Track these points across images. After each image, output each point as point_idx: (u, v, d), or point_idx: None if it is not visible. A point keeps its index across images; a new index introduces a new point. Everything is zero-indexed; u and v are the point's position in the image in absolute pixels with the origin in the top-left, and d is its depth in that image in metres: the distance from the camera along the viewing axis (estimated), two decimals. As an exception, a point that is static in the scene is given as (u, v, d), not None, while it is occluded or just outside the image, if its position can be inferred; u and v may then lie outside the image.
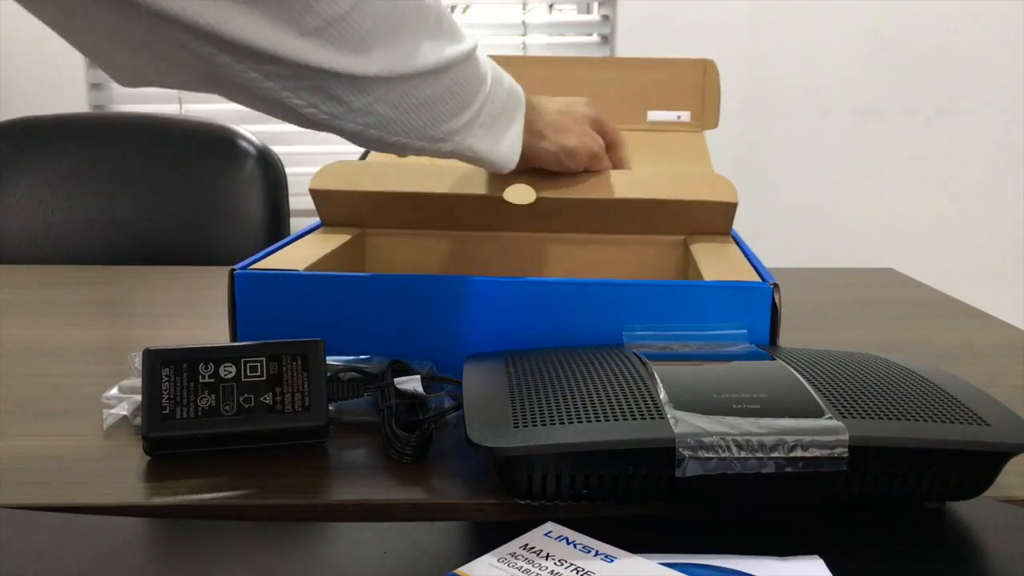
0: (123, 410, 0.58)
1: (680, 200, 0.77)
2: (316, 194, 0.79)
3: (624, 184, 0.77)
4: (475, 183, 0.77)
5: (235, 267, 0.64)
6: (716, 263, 0.69)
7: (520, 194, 0.75)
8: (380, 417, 0.57)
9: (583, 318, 0.63)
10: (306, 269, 0.66)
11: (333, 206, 0.80)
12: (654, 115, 0.94)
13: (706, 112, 0.94)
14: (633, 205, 0.77)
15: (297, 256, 0.69)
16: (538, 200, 0.75)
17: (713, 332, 0.62)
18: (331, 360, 0.60)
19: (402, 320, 0.64)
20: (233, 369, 0.55)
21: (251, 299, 0.64)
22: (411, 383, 0.57)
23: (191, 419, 0.53)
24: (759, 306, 0.62)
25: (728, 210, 0.77)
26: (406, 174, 0.79)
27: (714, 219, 0.78)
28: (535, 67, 0.95)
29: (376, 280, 0.64)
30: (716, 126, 0.95)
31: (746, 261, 0.70)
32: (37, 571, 0.44)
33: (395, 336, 0.64)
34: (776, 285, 0.62)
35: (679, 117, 0.94)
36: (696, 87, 0.94)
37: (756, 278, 0.64)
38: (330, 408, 0.56)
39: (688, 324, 0.62)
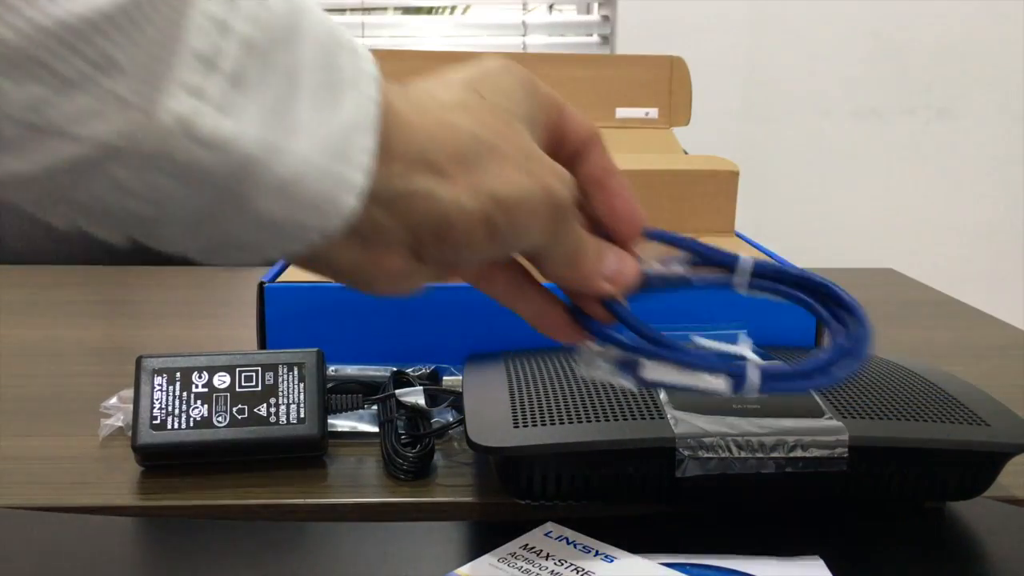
0: (119, 421, 0.58)
1: (685, 171, 0.78)
2: None
3: (628, 159, 0.79)
4: None
5: (264, 279, 0.64)
6: None
7: None
8: (380, 431, 0.56)
9: (615, 324, 0.62)
10: None
11: None
12: (622, 112, 0.94)
13: (675, 109, 0.94)
14: (639, 177, 0.77)
15: None
16: None
17: (713, 332, 0.62)
18: (352, 369, 0.59)
19: (437, 328, 0.64)
20: (227, 379, 0.54)
21: (281, 312, 0.63)
22: (413, 396, 0.57)
23: (183, 429, 0.53)
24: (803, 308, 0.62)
25: (731, 179, 0.78)
26: None
27: (718, 189, 0.79)
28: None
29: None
30: (687, 123, 0.95)
31: (775, 261, 0.70)
32: (36, 571, 0.44)
33: (428, 344, 0.64)
34: None
35: (647, 114, 0.94)
36: (663, 84, 0.94)
37: None
38: (329, 420, 0.55)
39: (695, 325, 0.62)
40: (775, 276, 0.39)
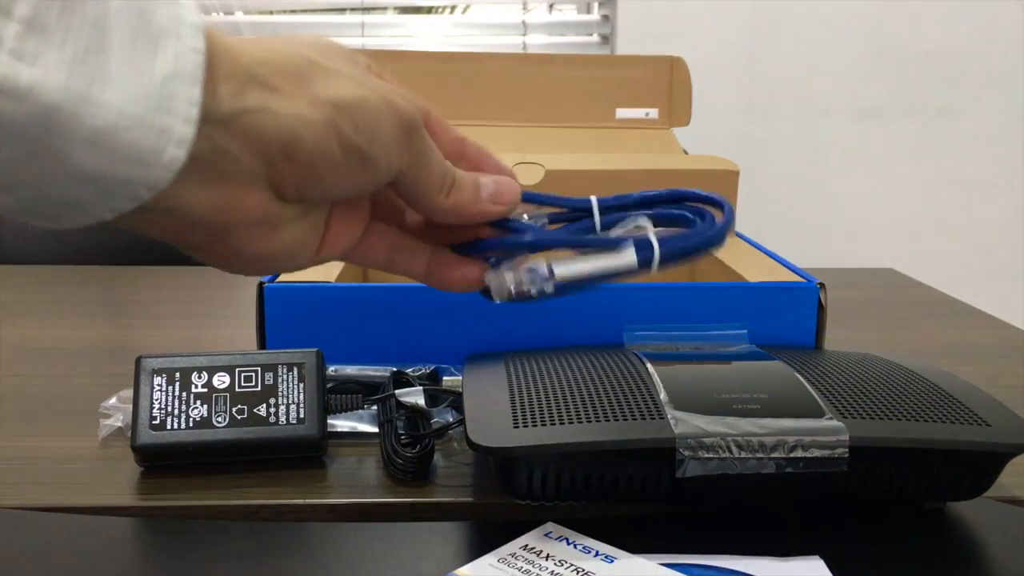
0: (118, 421, 0.58)
1: (685, 171, 0.78)
2: None
3: (628, 159, 0.80)
4: None
5: (264, 279, 0.64)
6: (748, 263, 0.70)
7: (528, 173, 0.76)
8: (380, 431, 0.56)
9: (614, 324, 0.62)
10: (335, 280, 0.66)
11: None
12: (622, 112, 0.94)
13: (675, 109, 0.94)
14: (639, 177, 0.78)
15: (318, 266, 0.69)
16: (547, 174, 0.75)
17: (713, 332, 0.62)
18: (351, 369, 0.59)
19: (437, 328, 0.64)
20: (227, 379, 0.54)
21: (281, 312, 0.63)
22: (413, 396, 0.57)
23: (182, 429, 0.53)
24: (805, 306, 0.62)
25: (731, 178, 0.78)
26: None
27: (718, 189, 0.79)
28: (497, 63, 0.94)
29: (408, 290, 0.64)
30: (687, 123, 0.95)
31: (775, 261, 0.71)
32: (36, 571, 0.44)
33: (428, 344, 0.64)
34: (822, 284, 0.63)
35: (647, 115, 0.94)
36: (663, 84, 0.94)
37: (795, 278, 0.64)
38: (329, 420, 0.55)
39: (695, 324, 0.62)
40: (619, 206, 0.41)
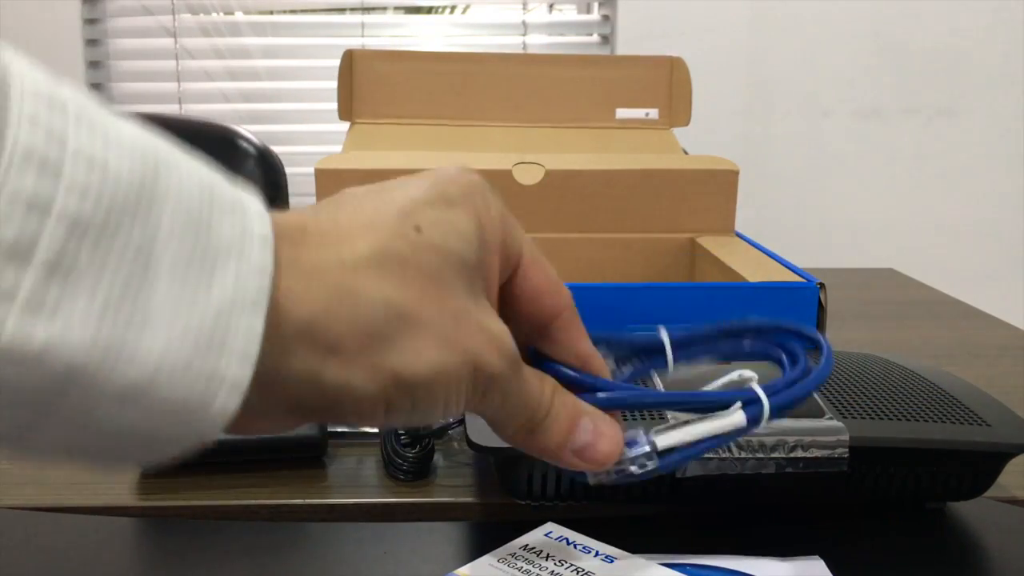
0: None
1: (686, 170, 0.79)
2: (321, 174, 0.79)
3: (628, 159, 0.80)
4: (484, 161, 0.79)
5: None
6: (747, 263, 0.70)
7: (528, 173, 0.76)
8: (380, 431, 0.56)
9: (614, 324, 0.63)
10: None
11: (335, 191, 0.80)
12: (622, 113, 0.94)
13: (675, 110, 0.94)
14: (639, 177, 0.78)
15: None
16: (547, 174, 0.76)
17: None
18: None
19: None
20: None
21: None
22: None
23: None
24: (805, 306, 0.62)
25: (731, 178, 0.79)
26: (412, 158, 0.80)
27: (718, 189, 0.79)
28: (497, 63, 0.94)
29: None
30: (687, 124, 0.95)
31: (775, 261, 0.71)
32: (36, 571, 0.44)
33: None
34: (822, 284, 0.63)
35: (647, 115, 0.94)
36: (663, 85, 0.94)
37: (795, 278, 0.64)
38: None
39: (694, 325, 0.62)
40: (691, 339, 0.35)
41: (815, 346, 0.35)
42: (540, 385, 0.29)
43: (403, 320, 0.25)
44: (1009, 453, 0.47)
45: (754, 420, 0.32)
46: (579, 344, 0.31)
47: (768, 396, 0.32)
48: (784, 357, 0.35)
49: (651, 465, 0.32)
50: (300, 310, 0.24)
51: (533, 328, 0.30)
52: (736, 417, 0.32)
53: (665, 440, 0.32)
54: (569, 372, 0.30)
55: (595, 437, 0.30)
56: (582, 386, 0.30)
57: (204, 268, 0.22)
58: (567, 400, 0.30)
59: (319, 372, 0.24)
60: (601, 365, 0.32)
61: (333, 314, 0.24)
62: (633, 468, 0.32)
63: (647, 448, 0.32)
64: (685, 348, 0.35)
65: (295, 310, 0.24)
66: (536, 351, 0.30)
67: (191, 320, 0.22)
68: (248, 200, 0.24)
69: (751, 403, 0.32)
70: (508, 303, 0.29)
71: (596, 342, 0.33)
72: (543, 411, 0.29)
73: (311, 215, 0.26)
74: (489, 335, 0.27)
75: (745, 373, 0.34)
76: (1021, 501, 0.51)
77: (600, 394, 0.31)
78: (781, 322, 0.35)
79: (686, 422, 0.32)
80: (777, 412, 0.32)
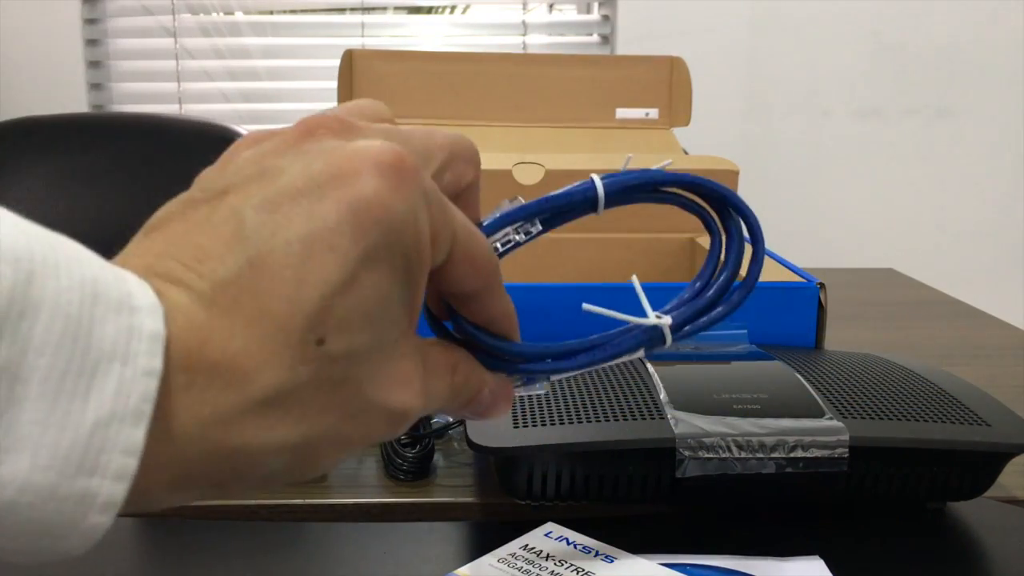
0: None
1: (686, 170, 0.79)
2: None
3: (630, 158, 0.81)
4: (484, 161, 0.79)
5: None
6: (748, 263, 0.70)
7: (528, 173, 0.76)
8: None
9: (614, 324, 0.62)
10: None
11: None
12: (622, 112, 0.94)
13: (675, 109, 0.94)
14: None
15: None
16: (547, 174, 0.76)
17: (713, 332, 0.62)
18: None
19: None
20: None
21: None
22: None
23: None
24: (805, 306, 0.63)
25: (731, 178, 0.79)
26: None
27: None
28: (497, 63, 0.94)
29: None
30: (687, 124, 0.95)
31: (775, 261, 0.71)
32: (36, 571, 0.44)
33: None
34: (822, 284, 0.63)
35: (647, 115, 0.94)
36: (663, 85, 0.94)
37: (795, 278, 0.64)
38: None
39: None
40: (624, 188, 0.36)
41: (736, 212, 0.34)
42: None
43: (296, 454, 0.24)
44: (1009, 453, 0.47)
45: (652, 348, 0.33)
46: (499, 309, 0.30)
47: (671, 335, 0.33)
48: (714, 224, 0.35)
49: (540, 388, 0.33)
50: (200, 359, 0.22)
51: (456, 298, 0.29)
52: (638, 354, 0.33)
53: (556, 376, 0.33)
54: (488, 340, 0.30)
55: (490, 406, 0.30)
56: (500, 352, 0.31)
57: (81, 380, 0.20)
58: (471, 378, 0.30)
59: (222, 440, 0.22)
60: (513, 325, 0.31)
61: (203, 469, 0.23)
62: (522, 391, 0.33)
63: (542, 391, 0.33)
64: (617, 197, 0.36)
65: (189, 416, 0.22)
66: (460, 318, 0.30)
67: (61, 442, 0.20)
68: (139, 294, 0.22)
69: (654, 340, 0.33)
70: (432, 281, 0.27)
71: (530, 211, 0.34)
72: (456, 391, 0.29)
73: (203, 315, 0.23)
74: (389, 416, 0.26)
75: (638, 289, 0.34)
76: (1021, 501, 0.51)
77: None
78: (705, 182, 0.34)
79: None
80: (678, 330, 0.33)
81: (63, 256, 0.21)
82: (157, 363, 0.21)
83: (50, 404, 0.20)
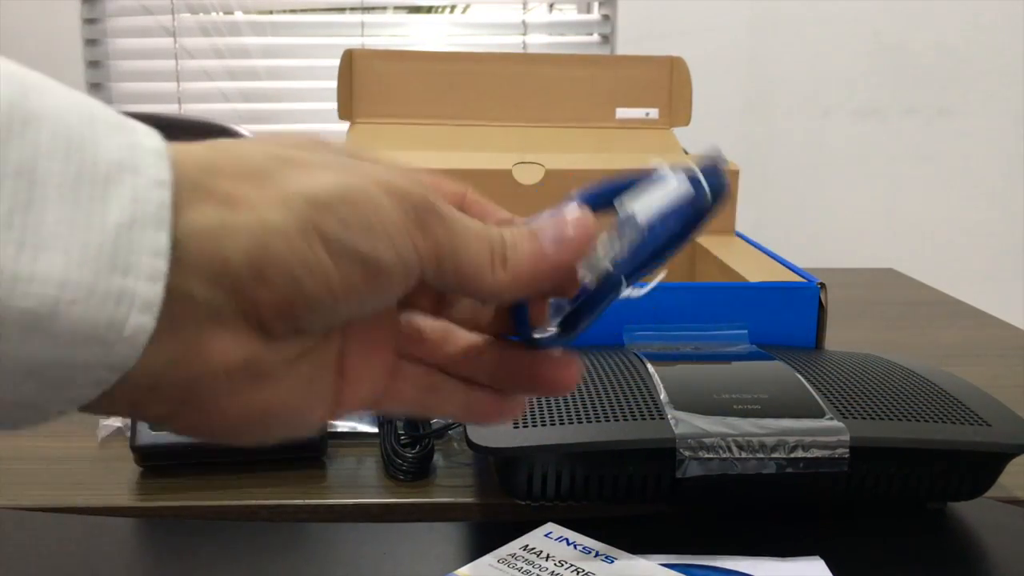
0: (117, 421, 0.58)
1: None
2: None
3: (628, 159, 0.80)
4: (484, 161, 0.79)
5: None
6: (747, 263, 0.70)
7: (528, 173, 0.76)
8: (380, 431, 0.56)
9: (614, 324, 0.62)
10: None
11: None
12: (622, 112, 0.94)
13: (675, 109, 0.94)
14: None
15: None
16: (547, 174, 0.76)
17: (713, 332, 0.62)
18: None
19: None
20: None
21: None
22: None
23: None
24: (805, 306, 0.63)
25: (731, 178, 0.79)
26: (412, 158, 0.80)
27: None
28: (497, 63, 0.94)
29: None
30: (688, 123, 0.94)
31: (775, 261, 0.71)
32: (36, 571, 0.44)
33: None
34: (822, 284, 0.63)
35: (647, 115, 0.94)
36: (664, 84, 0.94)
37: (795, 278, 0.64)
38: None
39: (695, 324, 0.62)
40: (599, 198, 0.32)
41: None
42: (480, 220, 0.27)
43: (289, 162, 0.24)
44: (1009, 453, 0.47)
45: (698, 184, 0.30)
46: (495, 215, 0.29)
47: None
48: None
49: (617, 251, 0.30)
50: (189, 171, 0.22)
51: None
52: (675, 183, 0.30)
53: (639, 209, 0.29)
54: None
55: (558, 224, 0.28)
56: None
57: (96, 186, 0.20)
58: (517, 226, 0.28)
59: (224, 219, 0.22)
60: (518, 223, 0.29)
61: (217, 169, 0.23)
62: (606, 263, 0.30)
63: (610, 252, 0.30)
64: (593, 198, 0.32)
65: (187, 176, 0.22)
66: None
67: (90, 240, 0.20)
68: (130, 120, 0.22)
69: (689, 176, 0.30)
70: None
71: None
72: (499, 238, 0.27)
73: (209, 154, 0.24)
74: (392, 170, 0.26)
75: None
76: (1021, 501, 0.51)
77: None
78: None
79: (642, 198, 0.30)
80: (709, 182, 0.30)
81: (56, 84, 0.21)
82: (166, 174, 0.22)
83: (72, 206, 0.20)
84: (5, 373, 0.20)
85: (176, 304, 0.22)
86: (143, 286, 0.21)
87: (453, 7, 1.99)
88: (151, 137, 0.22)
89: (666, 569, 0.41)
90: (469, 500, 0.50)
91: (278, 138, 0.25)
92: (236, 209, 0.22)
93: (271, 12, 1.91)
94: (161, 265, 0.21)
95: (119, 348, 0.21)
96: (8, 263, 0.19)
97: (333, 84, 0.90)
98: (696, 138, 1.04)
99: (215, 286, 0.22)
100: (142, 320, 0.21)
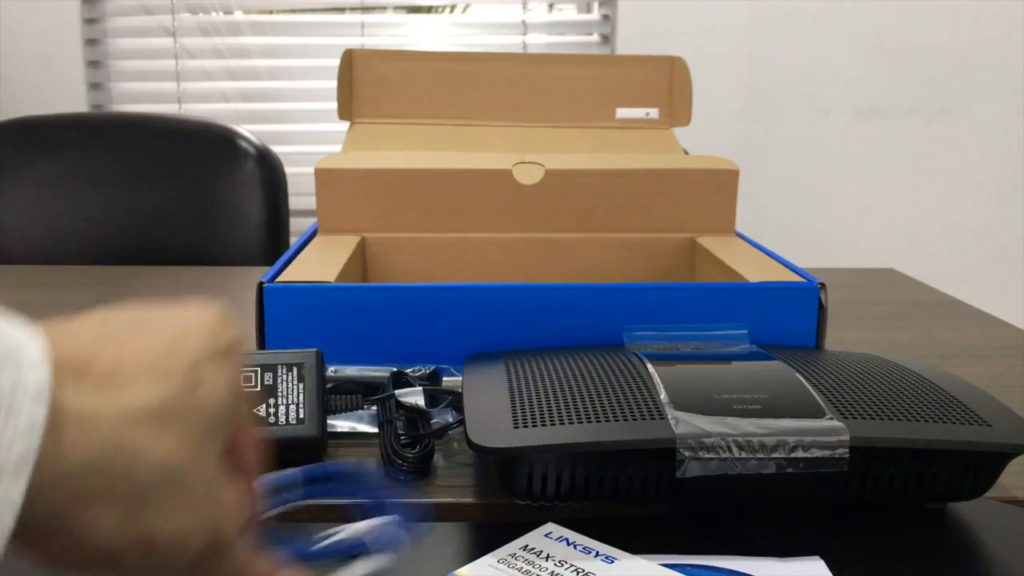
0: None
1: (686, 170, 0.79)
2: (320, 174, 0.79)
3: (628, 159, 0.80)
4: (484, 161, 0.79)
5: (263, 279, 0.64)
6: (747, 263, 0.70)
7: (528, 173, 0.76)
8: (380, 431, 0.56)
9: (614, 324, 0.62)
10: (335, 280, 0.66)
11: (335, 191, 0.80)
12: (622, 112, 0.94)
13: (675, 109, 0.94)
14: (640, 177, 0.78)
15: (317, 266, 0.69)
16: (547, 174, 0.76)
17: (713, 332, 0.62)
18: (351, 370, 0.59)
19: (437, 328, 0.64)
20: None
21: (280, 312, 0.63)
22: (413, 396, 0.57)
23: None
24: (805, 306, 0.63)
25: (731, 178, 0.79)
26: (412, 158, 0.80)
27: (718, 189, 0.79)
28: (497, 63, 0.94)
29: (408, 290, 0.64)
30: (688, 123, 0.94)
31: (775, 261, 0.71)
32: (36, 571, 0.44)
33: (428, 344, 0.64)
34: (822, 284, 0.63)
35: (647, 114, 0.94)
36: (664, 84, 0.94)
37: (795, 278, 0.64)
38: (329, 420, 0.55)
39: (695, 324, 0.62)
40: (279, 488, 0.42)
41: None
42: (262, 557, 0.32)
43: (171, 483, 0.26)
44: (1009, 453, 0.47)
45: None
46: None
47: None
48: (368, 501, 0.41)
49: None
50: (72, 457, 0.24)
51: None
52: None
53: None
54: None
55: None
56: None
57: None
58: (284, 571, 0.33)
59: (73, 514, 0.24)
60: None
61: (106, 466, 0.24)
62: None
63: None
64: (274, 496, 0.41)
65: (68, 456, 0.24)
66: None
67: None
68: (25, 344, 0.24)
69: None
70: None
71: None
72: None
73: (94, 344, 0.26)
74: (231, 503, 0.29)
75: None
76: (1021, 501, 0.51)
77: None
78: (357, 467, 0.42)
79: None
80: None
81: None
82: (40, 418, 0.23)
83: None
84: None
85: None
86: None
87: (453, 7, 1.99)
88: (38, 371, 0.23)
89: (666, 569, 0.41)
90: (469, 500, 0.50)
91: (183, 408, 0.27)
92: (82, 513, 0.24)
93: (271, 12, 1.91)
94: (8, 518, 0.22)
95: None
96: None
97: (333, 84, 0.90)
98: (696, 138, 1.04)
99: (76, 503, 0.25)
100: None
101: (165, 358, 0.27)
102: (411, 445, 0.54)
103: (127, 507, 0.25)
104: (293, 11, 1.91)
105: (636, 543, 0.43)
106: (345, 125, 0.91)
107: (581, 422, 0.46)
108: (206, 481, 0.27)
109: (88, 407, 0.24)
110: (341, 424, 0.58)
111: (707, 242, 0.78)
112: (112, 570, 0.26)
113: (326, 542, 0.41)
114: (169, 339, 0.28)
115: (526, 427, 0.46)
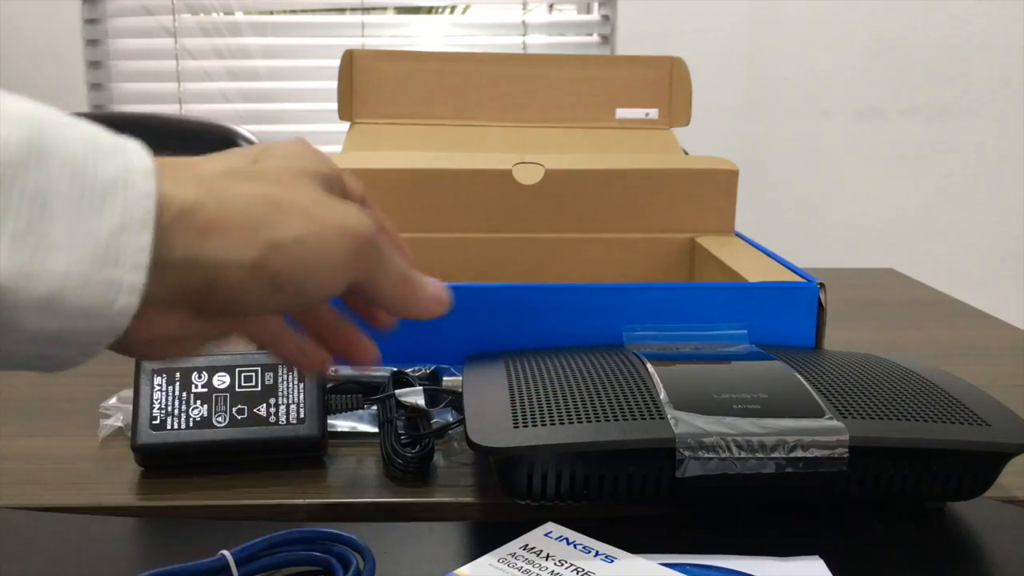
0: (118, 421, 0.58)
1: (686, 170, 0.79)
2: None
3: (628, 159, 0.80)
4: (484, 161, 0.79)
5: None
6: (747, 263, 0.70)
7: (528, 173, 0.76)
8: (380, 431, 0.56)
9: (614, 324, 0.62)
10: None
11: None
12: (622, 113, 0.94)
13: (675, 110, 0.94)
14: (640, 177, 0.78)
15: None
16: (547, 174, 0.76)
17: (713, 332, 0.62)
18: (352, 369, 0.59)
19: (437, 328, 0.63)
20: (227, 379, 0.54)
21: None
22: (413, 396, 0.57)
23: (182, 429, 0.53)
24: (805, 306, 0.63)
25: (731, 178, 0.79)
26: (412, 158, 0.80)
27: (718, 189, 0.79)
28: (497, 63, 0.94)
29: None
30: (687, 123, 0.94)
31: (775, 261, 0.71)
32: (36, 571, 0.44)
33: (428, 344, 0.63)
34: (822, 284, 0.63)
35: (647, 115, 0.94)
36: (663, 85, 0.94)
37: (795, 278, 0.65)
38: (329, 420, 0.55)
39: (695, 324, 0.62)
40: (252, 555, 0.43)
41: (359, 551, 0.43)
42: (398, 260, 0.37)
43: (266, 204, 0.31)
44: (1009, 453, 0.47)
45: None
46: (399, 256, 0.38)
47: None
48: (335, 563, 0.42)
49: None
50: (176, 203, 0.30)
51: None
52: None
53: None
54: None
55: (438, 289, 0.39)
56: None
57: (94, 201, 0.28)
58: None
59: (197, 250, 0.30)
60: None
61: (204, 203, 0.30)
62: None
63: None
64: (248, 563, 0.42)
65: (173, 204, 0.29)
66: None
67: (86, 243, 0.27)
68: (128, 143, 0.30)
69: None
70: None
71: None
72: (407, 263, 0.37)
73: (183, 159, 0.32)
74: (349, 211, 0.33)
75: None
76: (1021, 501, 0.51)
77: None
78: (326, 531, 0.44)
79: None
80: None
81: (67, 120, 0.29)
82: (152, 188, 0.29)
83: (74, 218, 0.27)
84: (30, 339, 0.28)
85: (148, 294, 0.29)
86: (128, 275, 0.28)
87: (453, 7, 1.99)
88: (142, 158, 0.29)
89: (666, 569, 0.41)
90: (469, 500, 0.51)
91: (271, 171, 0.33)
92: (204, 245, 0.30)
93: (271, 13, 1.91)
94: (143, 259, 0.28)
95: (110, 322, 0.29)
96: (25, 263, 0.26)
97: (333, 84, 0.90)
98: (696, 138, 1.04)
99: (178, 296, 0.31)
100: (128, 301, 0.29)
101: (237, 153, 0.34)
102: (411, 445, 0.54)
103: (241, 230, 0.30)
104: (293, 12, 1.91)
105: (636, 543, 0.43)
106: (345, 125, 0.91)
107: (581, 422, 0.46)
108: (308, 201, 0.33)
109: (180, 176, 0.31)
110: (341, 424, 0.58)
111: (707, 242, 0.78)
112: (271, 288, 0.31)
113: None
114: (246, 150, 0.35)
115: (526, 427, 0.46)
